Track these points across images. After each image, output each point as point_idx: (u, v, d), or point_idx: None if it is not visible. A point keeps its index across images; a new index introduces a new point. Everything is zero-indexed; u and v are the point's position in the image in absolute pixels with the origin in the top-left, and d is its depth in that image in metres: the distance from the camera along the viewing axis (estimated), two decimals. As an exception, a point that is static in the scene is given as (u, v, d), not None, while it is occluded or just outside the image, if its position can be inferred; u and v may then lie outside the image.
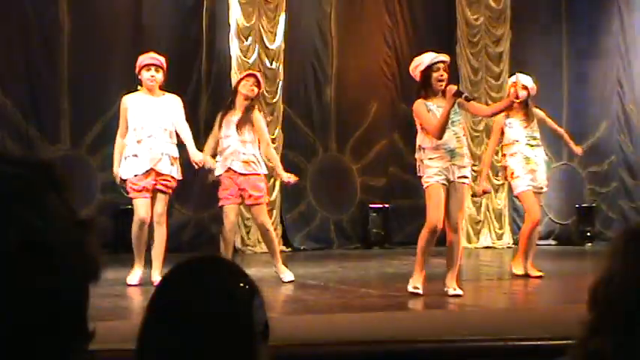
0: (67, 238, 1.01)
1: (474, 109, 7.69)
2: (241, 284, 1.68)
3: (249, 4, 10.89)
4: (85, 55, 10.19)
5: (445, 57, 7.32)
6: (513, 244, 11.52)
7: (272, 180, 10.12)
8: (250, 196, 7.81)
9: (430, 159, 7.05)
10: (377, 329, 5.42)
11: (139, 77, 7.71)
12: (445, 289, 7.07)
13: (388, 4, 11.70)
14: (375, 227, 11.41)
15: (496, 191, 11.69)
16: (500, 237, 11.69)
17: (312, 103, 11.39)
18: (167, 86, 10.41)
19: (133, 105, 7.62)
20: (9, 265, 0.97)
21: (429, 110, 7.07)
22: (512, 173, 8.48)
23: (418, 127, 7.19)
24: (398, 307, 6.70)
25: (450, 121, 7.00)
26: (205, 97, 10.80)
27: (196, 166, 7.76)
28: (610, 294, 1.70)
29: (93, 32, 10.26)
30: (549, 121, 8.98)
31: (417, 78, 7.26)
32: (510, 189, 9.50)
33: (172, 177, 7.64)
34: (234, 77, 10.83)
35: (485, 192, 8.86)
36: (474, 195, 10.15)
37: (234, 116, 7.81)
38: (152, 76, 7.63)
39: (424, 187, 7.11)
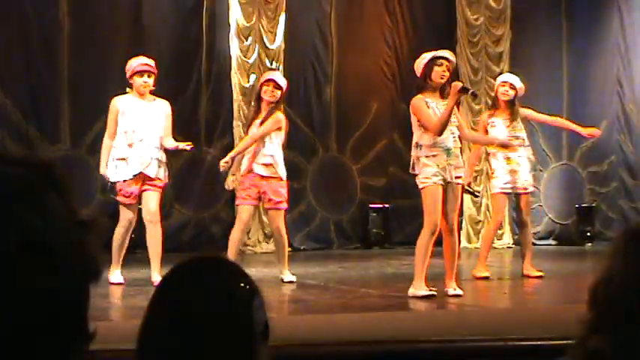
0: (67, 238, 1.01)
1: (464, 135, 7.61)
2: (241, 284, 1.68)
3: (249, 4, 10.89)
4: (85, 55, 10.19)
5: (451, 55, 7.27)
6: (513, 244, 11.53)
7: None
8: (270, 200, 7.89)
9: (427, 157, 7.03)
10: (377, 329, 5.42)
11: (130, 81, 7.75)
12: (445, 289, 7.06)
13: (388, 4, 11.70)
14: (375, 227, 11.42)
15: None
16: (500, 237, 11.69)
17: (312, 103, 11.39)
18: (167, 86, 10.45)
19: (125, 108, 7.67)
20: (9, 265, 0.97)
21: (428, 107, 7.04)
22: (493, 172, 8.53)
23: (415, 124, 7.14)
24: (398, 307, 6.70)
25: None
26: (205, 97, 10.80)
27: (172, 146, 7.74)
28: (610, 293, 1.70)
29: (93, 32, 10.27)
30: (541, 116, 8.94)
31: (419, 72, 7.20)
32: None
33: (160, 179, 7.70)
34: (234, 77, 10.85)
35: (470, 191, 8.64)
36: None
37: (259, 119, 7.93)
38: (145, 82, 7.70)
39: (420, 187, 7.09)
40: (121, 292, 7.28)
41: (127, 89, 7.80)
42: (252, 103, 8.46)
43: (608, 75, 12.65)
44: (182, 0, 10.81)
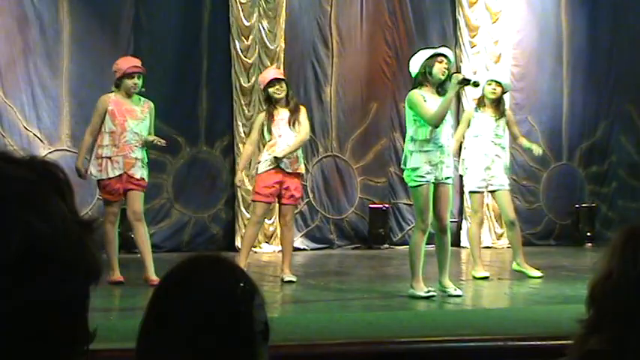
0: (68, 238, 1.01)
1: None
2: (241, 284, 1.68)
3: (249, 4, 10.89)
4: (85, 55, 10.19)
5: (449, 53, 7.29)
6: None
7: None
8: (291, 196, 8.00)
9: (420, 152, 7.04)
10: (377, 329, 5.42)
11: (118, 82, 7.77)
12: (445, 289, 7.07)
13: (388, 4, 11.70)
14: (375, 227, 11.41)
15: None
16: (500, 237, 11.68)
17: (312, 103, 11.38)
18: (167, 86, 10.45)
19: (113, 107, 7.69)
20: (10, 266, 0.97)
21: (425, 100, 7.05)
22: (467, 168, 8.53)
23: (410, 118, 7.16)
24: (398, 307, 6.70)
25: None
26: (205, 97, 10.80)
27: (152, 140, 7.77)
28: (609, 292, 1.70)
29: (93, 32, 10.26)
30: (513, 127, 8.77)
31: (416, 70, 7.22)
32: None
33: (144, 179, 7.76)
34: (235, 77, 10.84)
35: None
36: None
37: (279, 116, 8.03)
38: (135, 84, 7.77)
39: (411, 185, 7.11)
40: (120, 292, 7.28)
41: (113, 89, 7.83)
42: (264, 106, 8.46)
43: (608, 75, 12.63)
44: (182, 0, 10.80)
